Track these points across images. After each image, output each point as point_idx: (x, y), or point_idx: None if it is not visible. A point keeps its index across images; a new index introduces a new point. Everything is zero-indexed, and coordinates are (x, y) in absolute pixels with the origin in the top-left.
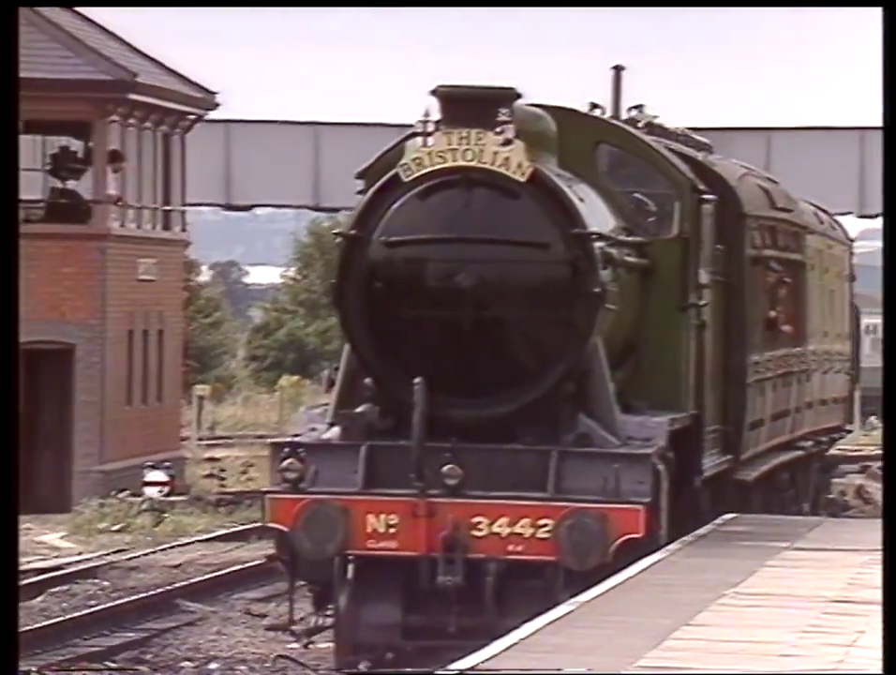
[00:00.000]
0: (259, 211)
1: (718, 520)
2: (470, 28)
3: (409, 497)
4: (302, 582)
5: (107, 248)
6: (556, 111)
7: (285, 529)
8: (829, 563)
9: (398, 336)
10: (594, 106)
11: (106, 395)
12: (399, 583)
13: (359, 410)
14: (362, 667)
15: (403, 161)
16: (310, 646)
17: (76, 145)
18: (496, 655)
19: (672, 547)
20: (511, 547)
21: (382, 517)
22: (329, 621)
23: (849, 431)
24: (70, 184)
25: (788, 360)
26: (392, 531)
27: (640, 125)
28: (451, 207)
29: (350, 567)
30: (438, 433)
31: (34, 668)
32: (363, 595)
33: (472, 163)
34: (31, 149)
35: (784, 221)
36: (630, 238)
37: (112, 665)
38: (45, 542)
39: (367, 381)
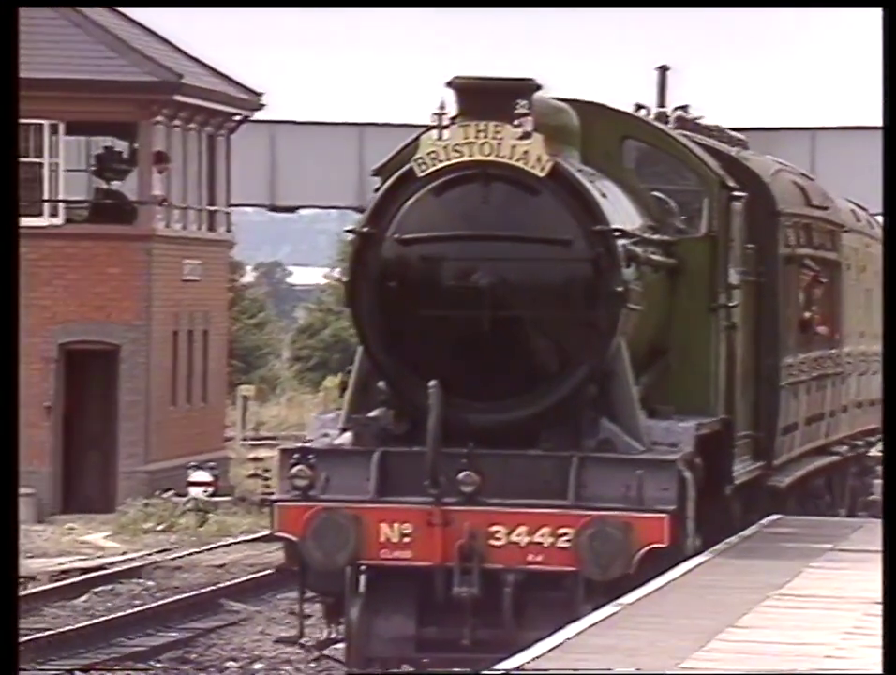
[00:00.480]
0: (303, 212)
1: (763, 522)
2: (520, 30)
3: (423, 505)
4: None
5: (152, 249)
6: (580, 105)
7: (294, 538)
8: (873, 565)
9: (413, 337)
10: (639, 107)
11: (151, 395)
12: (413, 594)
13: (372, 414)
14: None
15: (418, 155)
16: (321, 659)
17: (120, 146)
18: (541, 656)
19: (717, 548)
20: (530, 557)
21: (396, 525)
22: (341, 633)
23: None
24: (115, 184)
25: (823, 362)
26: (406, 540)
27: (671, 120)
28: (468, 203)
29: (363, 578)
30: (454, 438)
31: (78, 668)
32: (375, 607)
33: (490, 157)
34: (75, 150)
35: (819, 219)
36: (655, 236)
37: (158, 664)
38: (89, 541)
39: (381, 384)
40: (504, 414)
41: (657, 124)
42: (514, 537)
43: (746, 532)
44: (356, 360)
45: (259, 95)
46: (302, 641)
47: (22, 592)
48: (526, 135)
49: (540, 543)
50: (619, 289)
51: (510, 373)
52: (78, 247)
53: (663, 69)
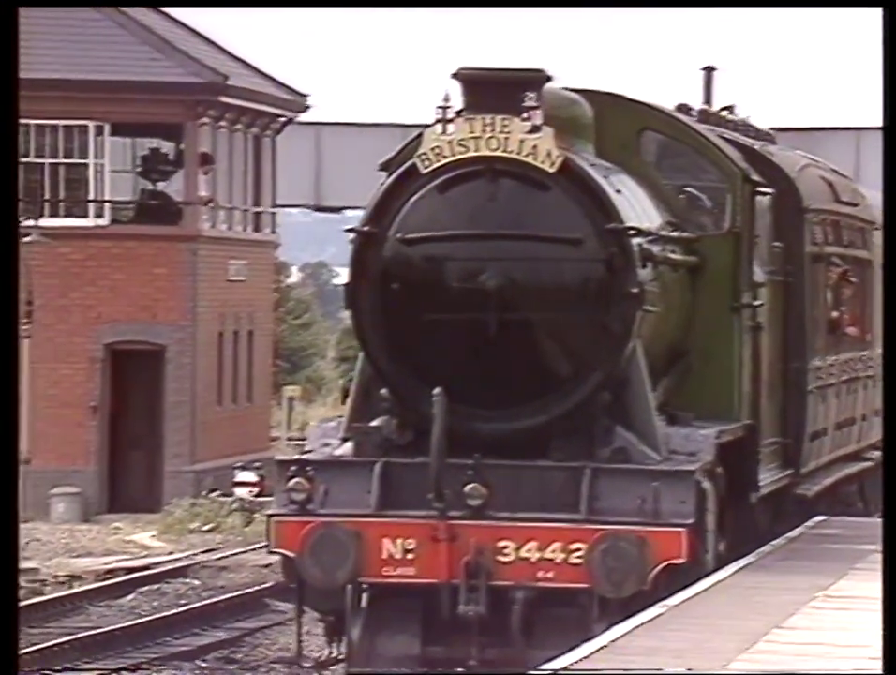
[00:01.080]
0: (348, 213)
1: (807, 523)
2: (566, 30)
3: (427, 519)
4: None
5: (198, 249)
6: (596, 95)
7: (291, 554)
8: None
9: (416, 341)
10: (681, 107)
11: (196, 395)
12: (417, 613)
13: (374, 423)
14: None
15: (421, 151)
16: None
17: (166, 147)
18: (587, 657)
19: (762, 550)
20: (540, 574)
21: (399, 541)
22: (343, 652)
23: None
24: (160, 185)
25: (853, 365)
26: (409, 556)
27: (693, 112)
28: (474, 201)
29: (364, 596)
30: (460, 448)
31: (124, 667)
32: (378, 626)
33: (497, 152)
34: (121, 151)
35: (848, 216)
36: (674, 233)
37: (203, 664)
38: (135, 541)
39: (383, 391)
40: (513, 423)
41: (676, 114)
42: (523, 553)
43: (792, 534)
44: (357, 366)
45: (304, 96)
46: (301, 661)
47: (68, 591)
48: (535, 129)
49: (551, 559)
50: (635, 290)
51: (519, 379)
52: (123, 247)
53: (709, 70)
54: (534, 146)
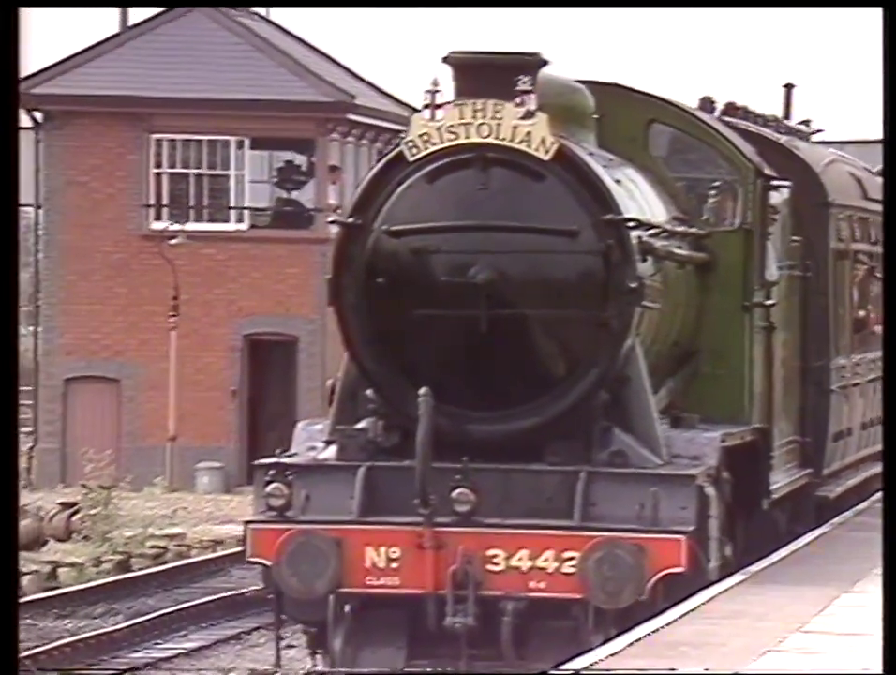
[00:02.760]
0: None
1: (873, 498)
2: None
3: (413, 526)
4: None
5: (327, 252)
6: (603, 87)
7: (268, 563)
8: None
9: (403, 339)
10: (705, 100)
11: (327, 382)
12: (403, 625)
13: (359, 425)
14: None
15: (408, 137)
16: None
17: (299, 159)
18: (672, 622)
19: (835, 521)
20: (532, 584)
21: (382, 549)
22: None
23: None
24: (294, 194)
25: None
26: (393, 565)
27: (718, 106)
28: (464, 190)
29: (347, 607)
30: (450, 451)
31: (262, 626)
32: (361, 638)
33: (489, 139)
34: (259, 163)
35: (878, 213)
36: (680, 228)
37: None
38: None
39: (369, 392)
40: (505, 425)
41: (686, 107)
42: (514, 562)
43: (860, 507)
44: (342, 365)
45: None
46: (280, 673)
47: (212, 555)
48: (529, 114)
49: (543, 568)
50: (633, 285)
51: (511, 379)
52: (261, 249)
53: (788, 87)
54: (528, 133)
